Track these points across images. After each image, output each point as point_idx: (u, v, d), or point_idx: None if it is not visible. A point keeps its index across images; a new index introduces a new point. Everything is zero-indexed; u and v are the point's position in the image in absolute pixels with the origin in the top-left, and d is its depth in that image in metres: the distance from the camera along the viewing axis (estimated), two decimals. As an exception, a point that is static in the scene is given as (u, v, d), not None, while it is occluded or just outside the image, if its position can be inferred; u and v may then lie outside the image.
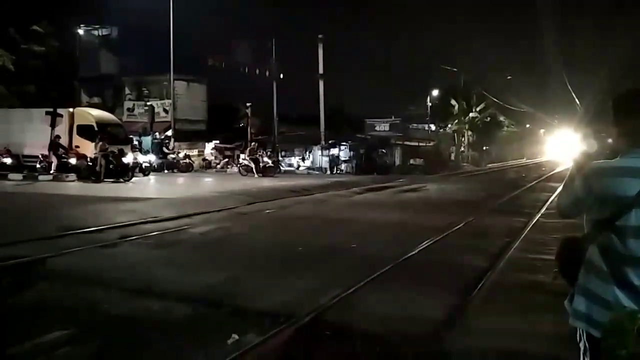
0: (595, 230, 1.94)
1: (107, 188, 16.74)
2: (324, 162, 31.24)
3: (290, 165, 32.62)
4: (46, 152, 20.33)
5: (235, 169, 27.07)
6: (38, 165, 20.37)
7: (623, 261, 1.85)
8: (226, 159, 30.67)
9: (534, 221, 11.23)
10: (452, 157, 46.38)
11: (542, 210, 12.85)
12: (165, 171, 26.08)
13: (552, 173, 30.44)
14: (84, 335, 4.33)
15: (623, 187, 1.85)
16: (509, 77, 47.11)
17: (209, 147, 32.68)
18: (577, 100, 25.58)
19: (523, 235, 9.43)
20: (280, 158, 31.20)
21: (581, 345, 1.98)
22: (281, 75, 33.51)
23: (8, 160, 21.38)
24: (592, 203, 1.93)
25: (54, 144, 20.20)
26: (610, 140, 2.19)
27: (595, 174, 1.93)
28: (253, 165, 24.66)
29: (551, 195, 16.32)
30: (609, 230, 1.88)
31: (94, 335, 4.37)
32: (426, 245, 8.30)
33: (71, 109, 23.11)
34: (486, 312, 5.11)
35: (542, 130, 68.37)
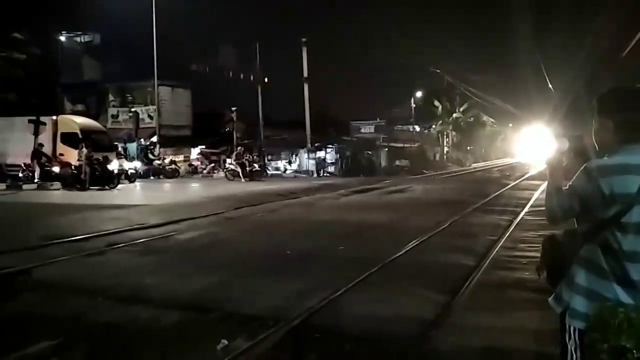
0: (596, 228, 1.95)
1: (93, 196, 16.61)
2: (311, 165, 31.32)
3: (277, 169, 32.66)
4: (29, 161, 20.10)
5: (222, 174, 27.01)
6: (21, 175, 20.12)
7: (625, 258, 1.88)
8: (212, 164, 30.59)
9: (518, 219, 11.37)
10: (437, 158, 46.76)
11: (526, 209, 13.02)
12: (151, 177, 25.93)
13: (535, 172, 30.78)
14: (71, 345, 4.31)
15: (628, 184, 1.87)
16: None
17: (195, 153, 32.58)
18: (550, 85, 25.78)
19: (508, 234, 9.55)
20: (266, 162, 31.25)
21: (571, 343, 2.00)
22: (266, 80, 33.53)
23: (-10, 170, 21.11)
24: (599, 202, 1.91)
25: (37, 153, 19.98)
26: (584, 138, 2.23)
27: (601, 172, 1.92)
28: (240, 170, 24.63)
29: (534, 193, 16.54)
30: (613, 227, 1.90)
31: (82, 345, 4.34)
32: (413, 245, 8.37)
33: (55, 117, 22.89)
34: (473, 310, 5.18)
35: (524, 129, 69.05)
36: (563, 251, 2.08)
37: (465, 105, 50.15)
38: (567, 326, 2.02)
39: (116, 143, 25.08)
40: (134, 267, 7.23)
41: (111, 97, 34.96)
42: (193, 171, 30.09)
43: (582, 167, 2.00)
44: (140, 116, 30.36)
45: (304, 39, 31.90)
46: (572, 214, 2.03)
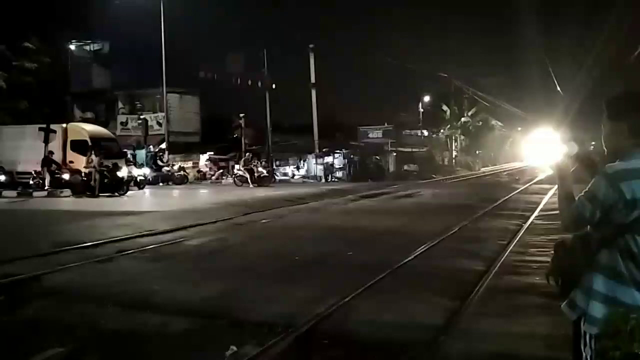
0: (615, 233, 1.91)
1: (103, 203, 16.72)
2: (319, 170, 31.32)
3: (285, 174, 32.67)
4: (39, 169, 20.29)
5: (230, 180, 27.09)
6: (31, 182, 20.30)
7: None
8: (221, 170, 30.66)
9: (527, 224, 11.29)
10: (446, 162, 46.59)
11: (536, 213, 12.94)
12: (160, 184, 26.04)
13: (544, 176, 30.57)
14: (81, 352, 4.33)
15: None
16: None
17: (204, 159, 32.68)
18: (558, 88, 25.68)
19: (518, 238, 9.49)
20: (274, 167, 31.28)
21: (586, 350, 1.97)
22: (273, 86, 33.62)
23: (1, 178, 21.23)
24: (621, 207, 1.88)
25: (47, 160, 20.16)
26: (592, 143, 2.20)
27: (621, 177, 1.89)
28: (248, 176, 24.70)
29: (543, 197, 16.43)
30: (633, 232, 1.87)
31: (91, 352, 4.37)
32: (422, 250, 8.33)
33: (64, 125, 23.12)
34: (483, 315, 5.14)
35: (532, 132, 68.65)
36: (575, 256, 2.05)
37: (473, 110, 50.01)
38: (583, 333, 1.98)
39: (125, 150, 25.23)
40: (143, 274, 7.25)
41: (120, 105, 35.27)
42: (202, 177, 30.18)
43: (600, 173, 1.96)
44: (149, 123, 30.56)
45: (311, 45, 32.02)
46: (594, 221, 1.96)
